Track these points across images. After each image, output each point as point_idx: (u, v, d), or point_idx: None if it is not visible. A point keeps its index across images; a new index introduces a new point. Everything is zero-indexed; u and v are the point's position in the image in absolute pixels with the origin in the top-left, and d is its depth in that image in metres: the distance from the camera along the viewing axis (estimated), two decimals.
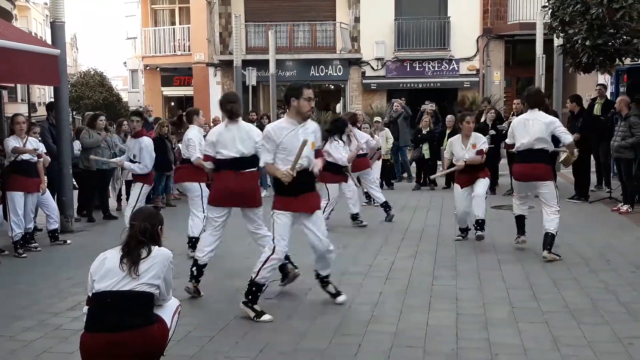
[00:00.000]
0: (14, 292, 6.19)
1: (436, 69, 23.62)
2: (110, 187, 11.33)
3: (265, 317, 5.14)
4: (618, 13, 9.61)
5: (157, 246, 3.90)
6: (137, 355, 3.67)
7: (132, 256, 3.76)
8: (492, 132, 12.30)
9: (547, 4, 11.81)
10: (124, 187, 11.62)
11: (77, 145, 10.63)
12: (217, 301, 5.74)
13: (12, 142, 7.85)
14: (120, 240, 3.89)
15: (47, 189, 8.45)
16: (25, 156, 7.90)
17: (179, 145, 13.20)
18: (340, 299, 5.54)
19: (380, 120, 13.56)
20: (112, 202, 11.37)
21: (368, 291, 5.92)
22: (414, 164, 14.25)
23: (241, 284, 6.19)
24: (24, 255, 7.82)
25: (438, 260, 7.08)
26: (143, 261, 3.77)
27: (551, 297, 5.56)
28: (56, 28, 9.29)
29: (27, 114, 26.89)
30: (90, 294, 3.80)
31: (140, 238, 3.82)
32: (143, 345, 3.68)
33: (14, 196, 7.84)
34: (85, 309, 3.84)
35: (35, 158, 8.04)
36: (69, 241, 8.58)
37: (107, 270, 3.76)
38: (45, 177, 8.92)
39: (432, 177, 11.76)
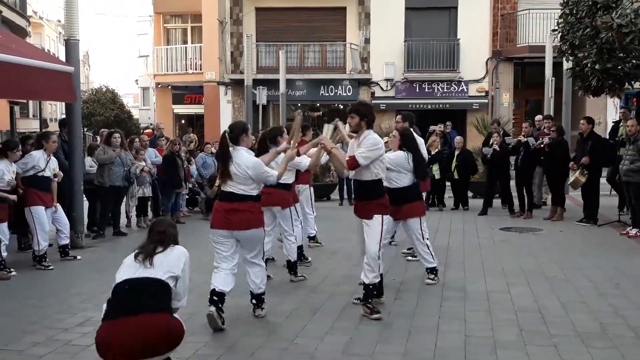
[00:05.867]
0: (24, 307, 6.22)
1: (445, 90, 23.71)
2: (124, 204, 11.37)
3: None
4: (628, 37, 9.65)
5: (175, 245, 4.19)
6: (155, 340, 3.72)
7: (146, 250, 4.04)
8: (489, 149, 12.32)
9: (556, 28, 11.89)
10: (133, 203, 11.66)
11: (88, 161, 10.72)
12: (225, 319, 5.74)
13: (36, 157, 8.10)
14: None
15: (59, 205, 8.54)
16: (46, 172, 8.08)
17: (194, 163, 13.41)
18: None
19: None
20: (122, 219, 11.40)
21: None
22: None
23: (248, 302, 6.21)
24: (51, 267, 7.96)
25: (446, 281, 7.06)
26: (158, 255, 4.00)
27: (560, 321, 5.54)
28: (70, 46, 9.41)
29: (38, 130, 27.18)
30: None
31: (157, 238, 4.13)
32: (160, 329, 3.74)
33: (38, 211, 7.97)
34: (105, 306, 3.98)
35: (50, 175, 8.22)
36: (79, 257, 8.63)
37: (125, 267, 4.03)
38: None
39: None
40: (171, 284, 3.97)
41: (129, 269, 4.02)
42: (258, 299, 5.77)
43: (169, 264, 4.01)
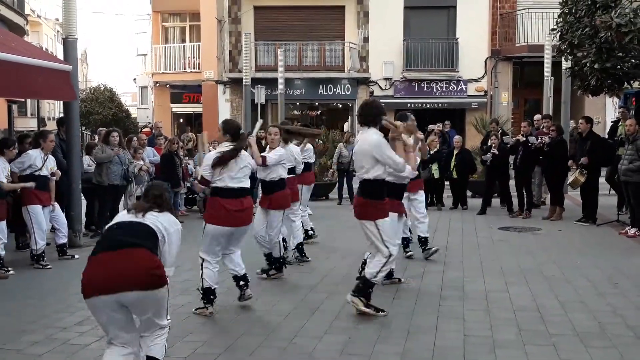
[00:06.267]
0: (22, 306, 6.21)
1: (444, 89, 23.72)
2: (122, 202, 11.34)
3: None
4: (627, 37, 9.64)
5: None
6: (133, 271, 3.67)
7: (141, 206, 4.09)
8: (489, 156, 12.31)
9: (555, 27, 11.88)
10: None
11: (86, 160, 10.70)
12: (224, 318, 5.75)
13: (33, 156, 8.06)
14: None
15: (57, 204, 8.53)
16: (43, 171, 8.06)
17: (191, 162, 13.37)
18: None
19: None
20: None
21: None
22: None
23: (248, 301, 6.21)
24: (49, 266, 7.95)
25: (445, 281, 7.06)
26: (152, 212, 4.04)
27: (559, 320, 5.55)
28: (68, 44, 9.38)
29: (36, 128, 27.15)
30: None
31: (153, 201, 4.15)
32: (139, 261, 3.70)
33: (35, 209, 7.96)
34: None
35: (47, 174, 8.20)
36: (77, 256, 8.60)
37: (117, 217, 4.13)
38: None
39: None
40: (159, 236, 3.96)
41: (120, 218, 4.09)
42: (244, 279, 5.94)
43: (159, 220, 4.02)
